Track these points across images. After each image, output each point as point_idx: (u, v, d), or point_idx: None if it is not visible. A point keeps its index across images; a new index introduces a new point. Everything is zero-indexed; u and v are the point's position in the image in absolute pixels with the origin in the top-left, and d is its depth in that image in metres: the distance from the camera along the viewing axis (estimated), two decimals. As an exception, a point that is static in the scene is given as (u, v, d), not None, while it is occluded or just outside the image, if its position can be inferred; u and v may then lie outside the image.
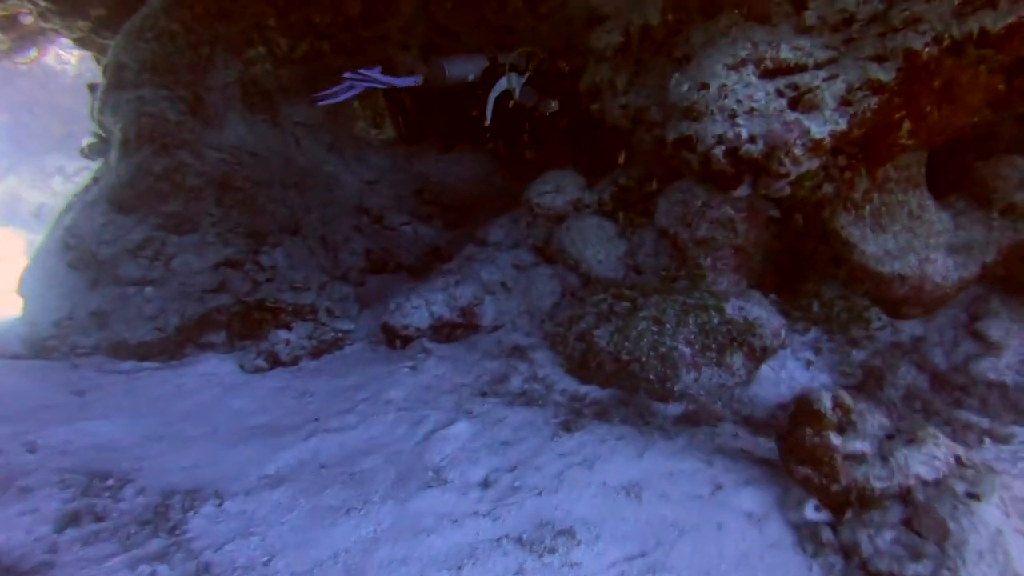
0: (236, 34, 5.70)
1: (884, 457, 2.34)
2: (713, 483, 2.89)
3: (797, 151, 3.57)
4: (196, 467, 3.29)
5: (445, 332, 4.54)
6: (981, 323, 4.05)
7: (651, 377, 3.73)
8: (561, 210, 4.76)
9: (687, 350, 3.78)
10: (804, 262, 4.48)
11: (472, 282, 4.73)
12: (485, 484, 2.97)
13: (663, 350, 3.73)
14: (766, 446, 3.31)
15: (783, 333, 4.00)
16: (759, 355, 3.94)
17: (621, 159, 5.77)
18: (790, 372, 4.19)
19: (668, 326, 3.77)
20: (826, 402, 2.46)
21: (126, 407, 3.85)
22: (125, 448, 3.45)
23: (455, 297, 4.59)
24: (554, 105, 5.37)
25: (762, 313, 3.93)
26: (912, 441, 2.36)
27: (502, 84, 5.33)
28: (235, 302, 4.33)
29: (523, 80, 5.38)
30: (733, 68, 3.89)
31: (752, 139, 3.66)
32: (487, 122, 5.32)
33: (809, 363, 4.24)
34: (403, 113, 5.57)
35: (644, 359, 3.73)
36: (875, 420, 2.49)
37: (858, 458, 2.37)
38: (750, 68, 3.87)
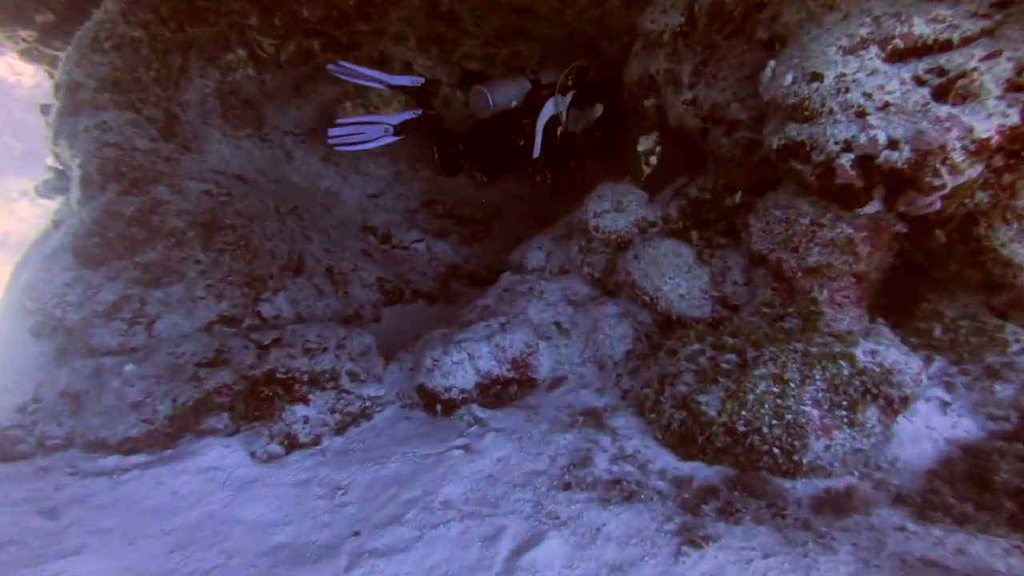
0: (211, 37, 4.79)
1: None
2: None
3: (957, 157, 2.77)
4: (209, 627, 2.49)
5: (496, 392, 3.74)
6: None
7: (775, 451, 2.96)
8: (625, 233, 3.94)
9: (815, 412, 3.01)
10: (922, 278, 3.72)
11: (521, 325, 3.92)
12: (607, 645, 2.20)
13: (788, 416, 2.95)
14: (953, 546, 2.56)
15: (924, 378, 3.23)
16: (897, 407, 3.17)
17: (645, 147, 5.04)
18: (925, 419, 3.41)
19: (792, 385, 2.99)
20: None
21: (112, 530, 3.02)
22: (113, 600, 2.65)
23: (503, 347, 3.78)
24: (598, 110, 4.72)
25: (899, 356, 3.15)
26: None
27: (549, 109, 4.69)
28: (239, 378, 3.50)
29: (568, 100, 4.70)
30: (851, 51, 3.08)
31: (893, 144, 2.86)
32: (536, 153, 4.67)
33: (944, 405, 3.47)
34: (440, 145, 4.89)
35: (766, 429, 2.95)
36: None
37: None
38: (873, 50, 3.06)
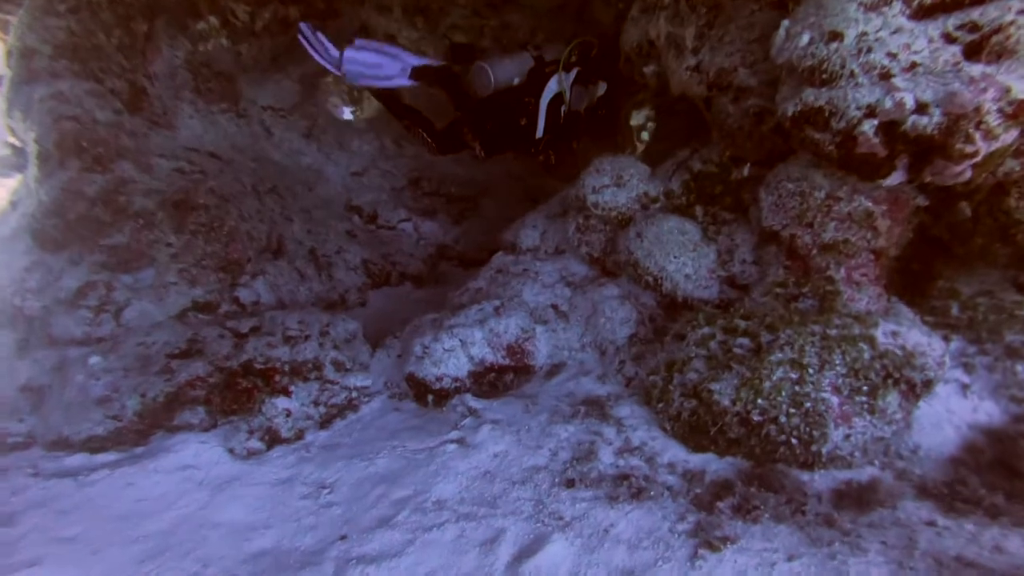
0: (179, 1, 4.47)
1: None
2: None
3: (992, 120, 2.55)
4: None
5: (491, 380, 3.51)
6: None
7: (792, 441, 2.76)
8: (626, 210, 3.70)
9: (834, 399, 2.81)
10: (938, 254, 3.52)
11: (516, 308, 3.69)
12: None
13: (808, 404, 2.75)
14: (989, 542, 2.37)
15: (948, 360, 3.04)
16: (919, 391, 2.98)
17: (637, 122, 4.79)
18: (945, 403, 3.23)
19: (811, 370, 2.79)
20: None
21: (75, 537, 2.77)
22: (75, 618, 2.42)
23: (497, 332, 3.55)
24: (602, 87, 4.48)
25: (922, 338, 2.95)
26: None
27: (552, 88, 4.48)
28: (214, 369, 3.24)
29: (572, 78, 4.44)
30: (873, 8, 2.84)
31: (922, 108, 2.63)
32: (539, 133, 4.41)
33: (965, 387, 3.29)
34: (425, 125, 4.62)
35: (783, 418, 2.75)
36: None
37: None
38: (898, 6, 2.82)
